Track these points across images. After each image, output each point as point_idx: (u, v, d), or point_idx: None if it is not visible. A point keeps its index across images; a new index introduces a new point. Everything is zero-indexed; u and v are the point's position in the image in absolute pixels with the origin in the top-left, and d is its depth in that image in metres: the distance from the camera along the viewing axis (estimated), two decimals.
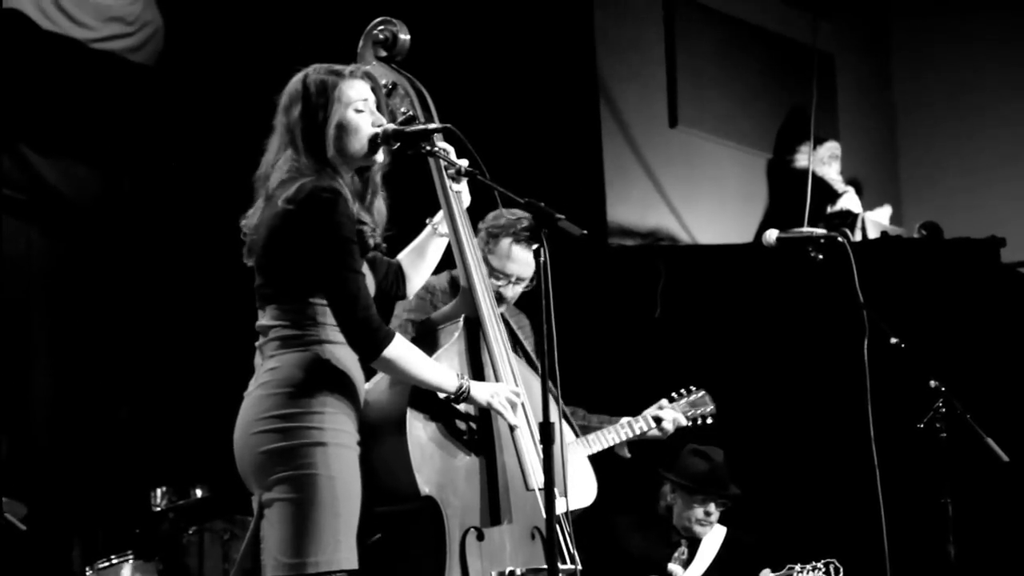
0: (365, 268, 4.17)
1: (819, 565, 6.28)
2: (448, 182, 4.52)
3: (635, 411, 5.87)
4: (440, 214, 4.56)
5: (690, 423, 5.98)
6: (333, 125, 4.17)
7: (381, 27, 4.69)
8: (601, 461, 5.72)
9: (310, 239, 4.02)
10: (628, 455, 5.90)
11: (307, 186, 4.04)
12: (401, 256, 4.57)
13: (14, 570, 7.11)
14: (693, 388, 6.06)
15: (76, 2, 8.15)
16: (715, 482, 6.68)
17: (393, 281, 4.54)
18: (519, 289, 5.38)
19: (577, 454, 5.42)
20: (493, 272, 5.28)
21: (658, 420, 5.84)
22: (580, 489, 5.40)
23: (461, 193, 4.56)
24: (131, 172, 8.77)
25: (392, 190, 4.37)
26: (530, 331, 5.57)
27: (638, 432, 5.81)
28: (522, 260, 5.32)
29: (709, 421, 6.06)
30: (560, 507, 4.17)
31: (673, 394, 6.00)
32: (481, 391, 4.30)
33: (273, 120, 4.27)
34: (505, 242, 5.31)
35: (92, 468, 8.38)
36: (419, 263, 4.59)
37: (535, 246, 4.57)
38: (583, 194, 8.86)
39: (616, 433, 5.75)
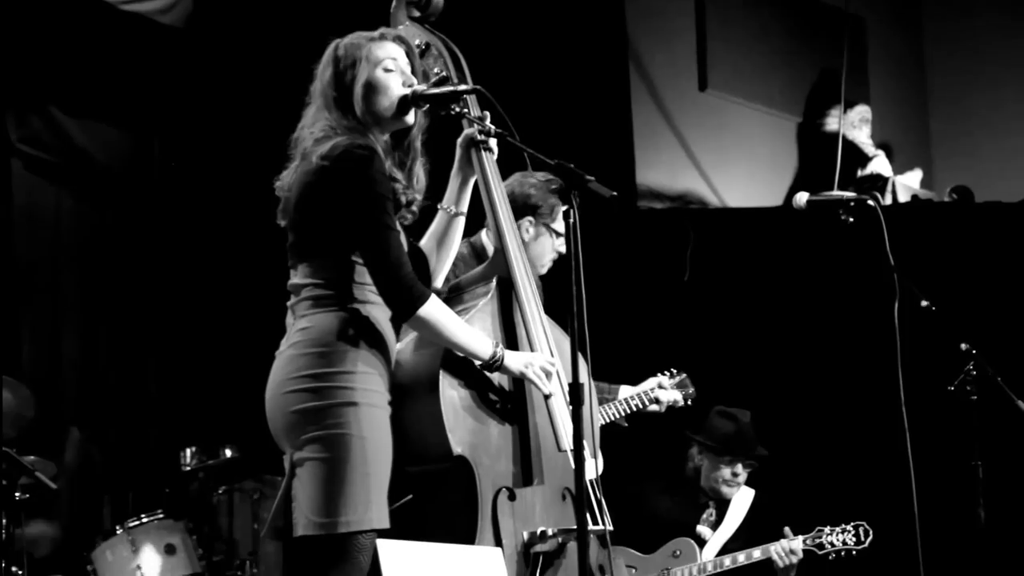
0: (399, 227, 4.17)
1: (848, 527, 6.29)
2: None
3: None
4: (448, 196, 4.52)
5: (684, 403, 6.03)
6: (361, 84, 4.17)
7: None
8: (630, 425, 5.79)
9: (345, 195, 4.02)
10: (626, 425, 5.96)
11: (342, 143, 4.05)
12: (421, 244, 4.50)
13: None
14: (675, 371, 6.08)
15: None
16: (742, 443, 6.68)
17: (417, 268, 4.47)
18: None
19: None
20: (556, 234, 5.37)
21: (656, 400, 5.92)
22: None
23: (492, 154, 4.53)
24: (160, 134, 8.79)
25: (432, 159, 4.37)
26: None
27: (635, 408, 5.86)
28: None
29: (690, 403, 6.12)
30: (590, 468, 4.18)
31: (666, 372, 6.04)
32: (515, 360, 4.27)
33: (309, 88, 4.27)
34: (562, 208, 5.30)
35: (122, 428, 8.43)
36: (440, 250, 4.51)
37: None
38: (612, 157, 8.84)
39: (617, 408, 5.83)
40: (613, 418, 5.82)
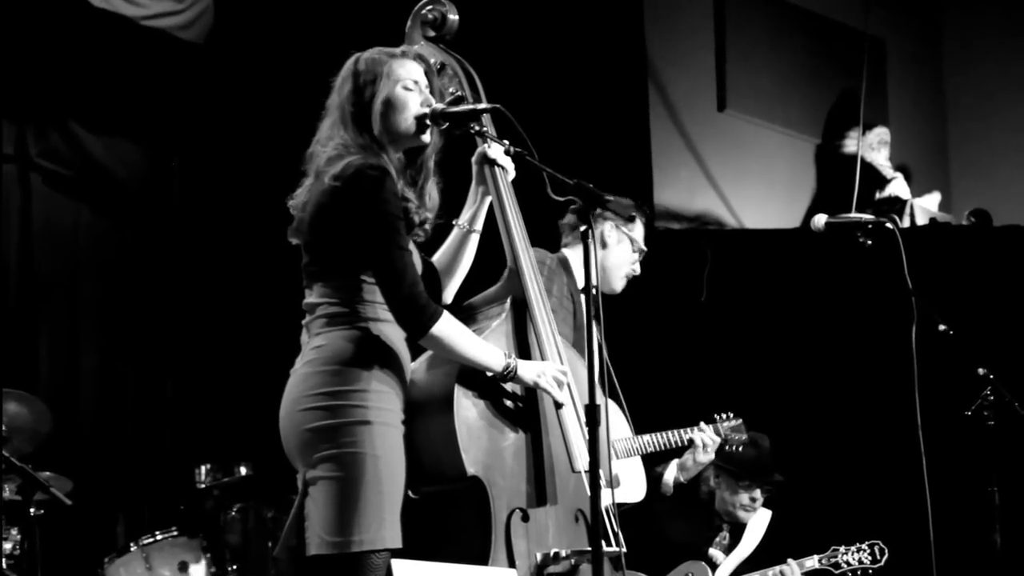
0: (411, 246, 4.17)
1: (864, 546, 6.28)
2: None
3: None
4: (465, 214, 4.53)
5: (733, 447, 6.05)
6: (380, 101, 4.18)
7: (430, 7, 4.67)
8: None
9: (356, 216, 4.03)
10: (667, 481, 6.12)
11: (354, 163, 4.05)
12: (434, 260, 4.51)
13: (60, 544, 7.16)
14: (731, 415, 6.08)
15: None
16: (761, 469, 6.65)
17: (428, 283, 4.49)
18: None
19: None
20: (636, 247, 5.63)
21: (691, 440, 5.93)
22: (632, 485, 5.57)
23: (507, 173, 4.53)
24: (179, 150, 8.80)
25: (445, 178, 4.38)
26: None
27: (675, 445, 5.89)
28: None
29: (739, 449, 6.12)
30: (605, 490, 4.16)
31: (722, 415, 6.04)
32: (528, 370, 4.26)
33: (326, 101, 4.27)
34: (641, 219, 5.69)
35: (137, 445, 8.43)
36: (452, 266, 4.52)
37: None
38: (630, 177, 8.82)
39: (657, 440, 5.82)
40: (651, 450, 5.82)
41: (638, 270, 5.78)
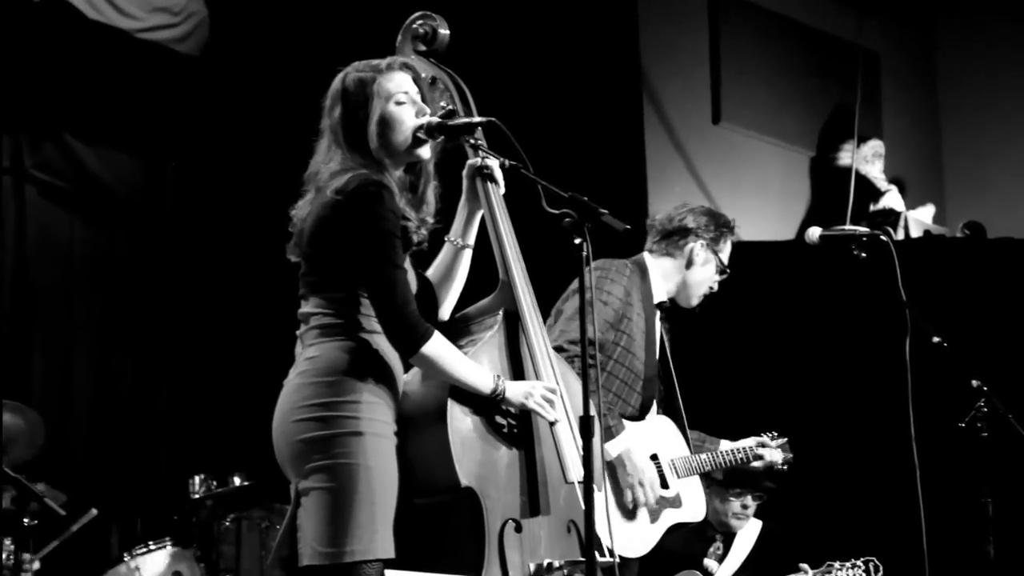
0: (408, 264, 4.17)
1: (858, 563, 6.27)
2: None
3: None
4: (456, 228, 4.53)
5: (782, 467, 6.04)
6: (374, 121, 4.17)
7: (420, 21, 4.64)
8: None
9: (354, 231, 4.03)
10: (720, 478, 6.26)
11: (356, 178, 4.04)
12: (428, 274, 4.50)
13: (53, 555, 7.15)
14: (776, 433, 6.10)
15: None
16: (752, 475, 6.66)
17: (423, 298, 4.48)
18: None
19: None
20: (721, 267, 5.73)
21: (759, 457, 5.93)
22: (693, 504, 5.66)
23: (499, 186, 4.53)
24: (174, 162, 8.81)
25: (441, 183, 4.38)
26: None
27: (739, 461, 5.93)
28: None
29: (787, 468, 6.13)
30: (597, 499, 4.17)
31: (768, 433, 6.06)
32: (516, 391, 4.25)
33: (320, 123, 4.28)
34: (732, 237, 5.76)
35: (131, 455, 8.43)
36: (447, 281, 4.51)
37: None
38: (625, 189, 8.84)
39: (714, 459, 5.85)
40: (709, 468, 5.83)
41: (716, 288, 5.82)
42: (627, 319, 5.54)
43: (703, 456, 5.77)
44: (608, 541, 4.21)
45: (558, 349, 4.93)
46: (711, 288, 5.81)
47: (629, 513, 5.44)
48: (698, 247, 5.71)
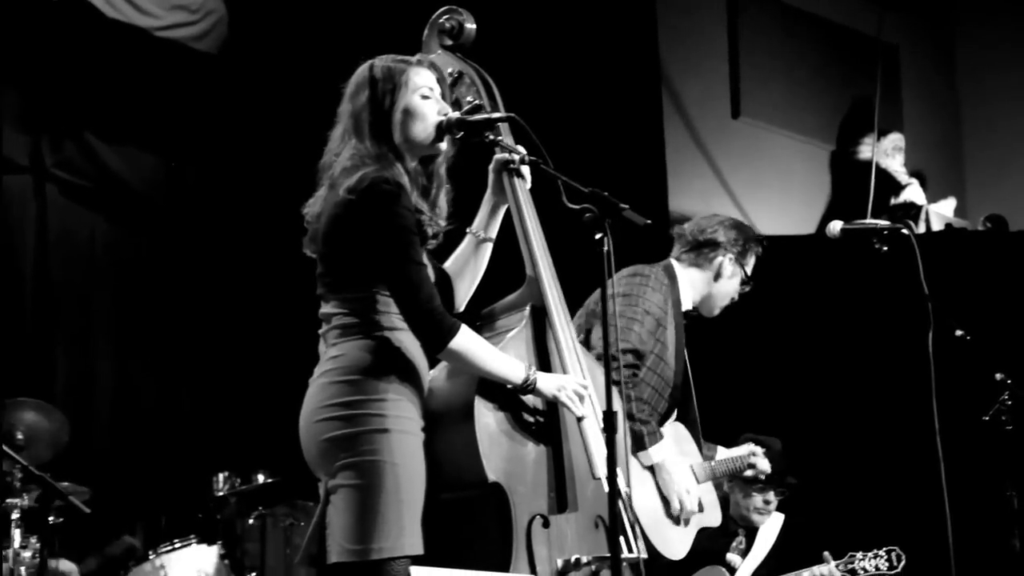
0: (426, 259, 4.17)
1: (881, 552, 6.28)
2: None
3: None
4: (479, 221, 4.53)
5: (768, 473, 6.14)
6: (400, 110, 4.17)
7: (447, 16, 4.67)
8: None
9: (371, 230, 4.02)
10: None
11: (368, 176, 4.03)
12: (446, 266, 4.50)
13: (79, 552, 7.18)
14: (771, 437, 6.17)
15: None
16: (774, 472, 6.66)
17: (441, 291, 4.47)
18: None
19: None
20: (745, 279, 5.78)
21: (752, 466, 5.98)
22: (712, 509, 5.71)
23: (525, 181, 4.53)
24: (195, 160, 8.82)
25: (456, 185, 4.38)
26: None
27: (736, 469, 5.96)
28: None
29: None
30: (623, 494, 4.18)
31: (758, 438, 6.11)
32: (548, 383, 4.25)
33: (337, 109, 4.28)
34: (758, 251, 5.80)
35: (155, 453, 8.44)
36: (465, 273, 4.51)
37: None
38: (645, 184, 8.84)
39: (724, 466, 5.89)
40: (719, 475, 5.86)
41: (738, 298, 5.84)
42: (663, 328, 5.55)
43: (713, 463, 5.80)
44: (641, 540, 4.22)
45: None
46: (733, 299, 5.82)
47: (672, 518, 5.46)
48: (727, 261, 5.73)
